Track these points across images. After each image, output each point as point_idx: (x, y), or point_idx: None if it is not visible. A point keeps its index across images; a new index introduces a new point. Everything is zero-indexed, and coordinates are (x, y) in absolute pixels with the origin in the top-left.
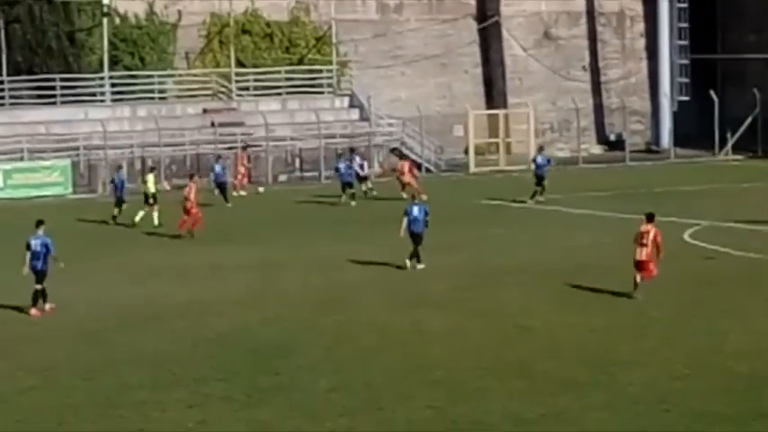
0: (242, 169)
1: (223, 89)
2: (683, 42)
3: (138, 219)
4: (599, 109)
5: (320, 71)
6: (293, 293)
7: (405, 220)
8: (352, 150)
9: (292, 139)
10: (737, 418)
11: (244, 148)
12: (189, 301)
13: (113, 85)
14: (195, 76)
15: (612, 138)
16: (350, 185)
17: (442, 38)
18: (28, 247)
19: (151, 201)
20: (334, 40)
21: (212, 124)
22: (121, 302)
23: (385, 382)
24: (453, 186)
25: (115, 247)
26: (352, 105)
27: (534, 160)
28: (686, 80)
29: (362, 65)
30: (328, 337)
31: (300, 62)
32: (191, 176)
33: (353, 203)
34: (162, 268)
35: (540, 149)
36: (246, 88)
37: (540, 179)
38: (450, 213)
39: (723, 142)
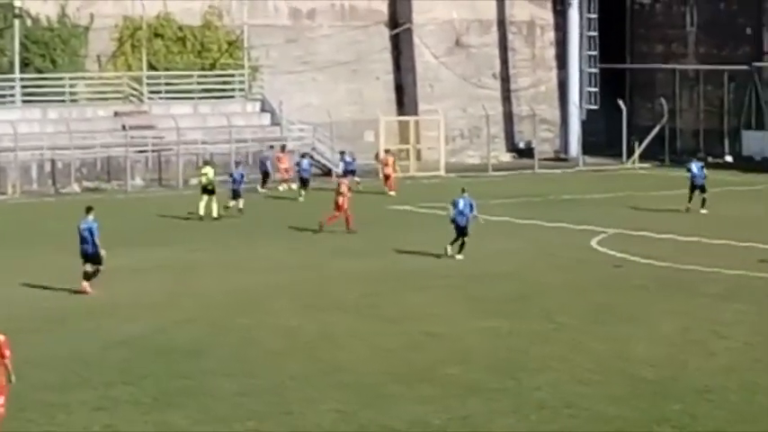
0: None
1: (135, 92)
2: (592, 52)
3: (203, 212)
4: (509, 117)
5: (232, 76)
6: (206, 296)
7: (452, 211)
8: (342, 153)
9: (203, 142)
10: (642, 423)
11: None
12: (101, 303)
13: (24, 86)
14: (107, 78)
15: (522, 145)
16: (306, 182)
17: (353, 44)
18: (80, 232)
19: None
20: (245, 45)
21: (123, 127)
22: (31, 303)
23: (294, 385)
24: (363, 192)
25: (27, 249)
26: (263, 110)
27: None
28: (595, 89)
29: (274, 70)
30: (238, 341)
31: (212, 66)
32: (345, 174)
33: (302, 199)
34: (77, 270)
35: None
36: (158, 92)
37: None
38: (360, 218)
39: (631, 151)
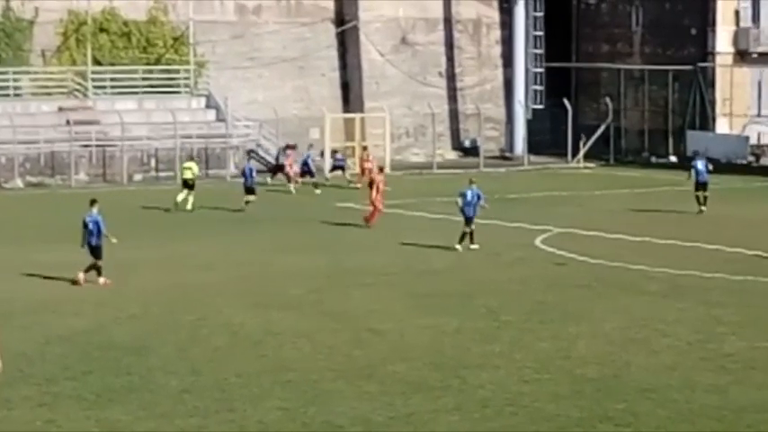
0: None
1: (79, 87)
2: (538, 51)
3: (180, 200)
4: (454, 115)
5: (177, 71)
6: (151, 293)
7: (460, 201)
8: (334, 152)
9: (148, 138)
10: (585, 421)
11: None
12: (44, 298)
13: None
14: (51, 73)
15: (467, 144)
16: (312, 175)
17: (300, 41)
18: (84, 225)
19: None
20: (191, 41)
21: (68, 122)
22: None
23: (238, 382)
24: (309, 188)
25: None
26: (208, 106)
27: (463, 195)
28: (541, 88)
29: (220, 66)
30: (182, 338)
31: (157, 62)
32: (380, 169)
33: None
34: (20, 265)
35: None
36: (103, 87)
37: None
38: (306, 215)
39: (576, 150)
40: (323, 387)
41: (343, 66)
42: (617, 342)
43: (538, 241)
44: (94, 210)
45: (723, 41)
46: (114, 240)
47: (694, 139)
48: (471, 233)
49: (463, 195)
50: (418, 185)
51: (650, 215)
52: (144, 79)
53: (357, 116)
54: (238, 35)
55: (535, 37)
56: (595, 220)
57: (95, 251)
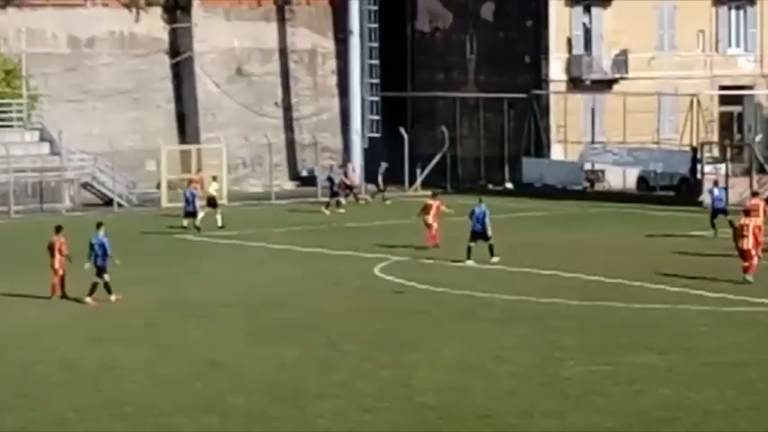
0: None
1: None
2: (374, 80)
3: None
4: (291, 145)
5: (10, 105)
6: None
7: (470, 218)
8: (330, 167)
9: None
10: None
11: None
12: None
13: None
14: None
15: (305, 173)
16: (336, 194)
17: (134, 73)
18: (91, 246)
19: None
20: (24, 74)
21: None
22: None
23: (76, 418)
24: (146, 221)
25: None
26: (42, 139)
27: (471, 213)
28: (377, 117)
29: (53, 99)
30: (17, 375)
31: None
32: (433, 195)
33: (342, 210)
34: None
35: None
36: None
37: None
38: (144, 248)
39: (413, 178)
40: (162, 421)
41: (179, 97)
42: (456, 369)
43: (377, 270)
44: (100, 232)
45: (556, 69)
46: (117, 262)
47: (529, 166)
48: (491, 247)
49: (472, 213)
50: (256, 216)
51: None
52: None
53: (193, 147)
54: (72, 68)
55: (371, 66)
56: (434, 248)
57: (100, 270)
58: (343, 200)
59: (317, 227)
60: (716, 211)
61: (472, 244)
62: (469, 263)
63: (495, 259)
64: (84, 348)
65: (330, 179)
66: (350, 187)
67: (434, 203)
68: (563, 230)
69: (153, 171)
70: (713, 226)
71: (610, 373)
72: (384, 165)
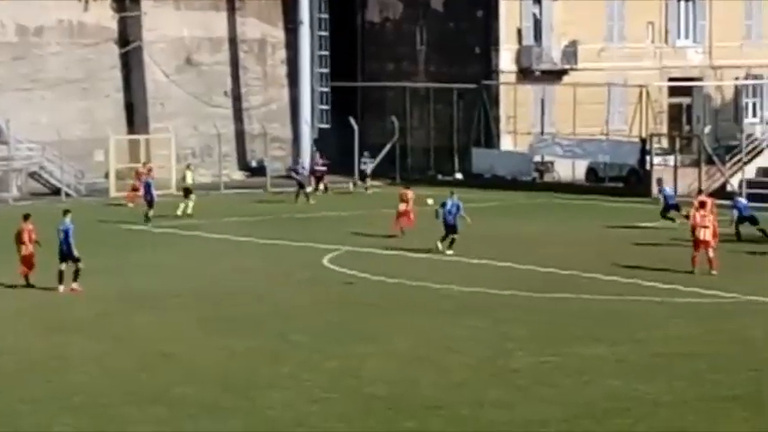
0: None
1: None
2: (323, 70)
3: (180, 212)
4: (240, 135)
5: None
6: None
7: (441, 211)
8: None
9: None
10: None
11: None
12: None
13: None
14: None
15: (254, 164)
16: (303, 186)
17: (83, 62)
18: (59, 233)
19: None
20: None
21: None
22: None
23: (25, 409)
24: (95, 211)
25: None
26: None
27: (443, 205)
28: (327, 107)
29: (1, 88)
30: None
31: None
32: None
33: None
34: None
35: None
36: None
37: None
38: (94, 238)
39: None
40: (112, 412)
41: (128, 87)
42: (406, 360)
43: (326, 261)
44: (67, 219)
45: (506, 60)
46: (76, 254)
47: (479, 156)
48: (453, 240)
49: (443, 205)
50: (206, 206)
51: (439, 233)
52: None
53: (142, 137)
54: (20, 57)
55: (320, 56)
56: (383, 238)
57: (68, 257)
58: (309, 189)
59: (264, 217)
60: (669, 207)
61: (449, 237)
62: (447, 250)
63: (449, 252)
64: (35, 339)
65: (296, 170)
66: (319, 178)
67: (409, 192)
68: (514, 221)
69: (101, 161)
70: (667, 218)
71: (559, 364)
72: (367, 155)
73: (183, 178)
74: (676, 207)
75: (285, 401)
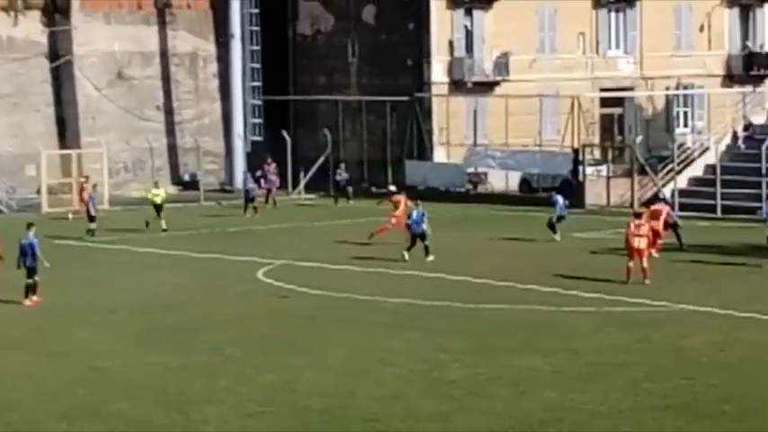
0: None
1: None
2: (256, 83)
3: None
4: (173, 149)
5: None
6: None
7: (408, 220)
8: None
9: None
10: None
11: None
12: None
13: None
14: None
15: (187, 178)
16: (252, 199)
17: (13, 76)
18: (21, 247)
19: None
20: None
21: None
22: None
23: None
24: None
25: None
26: None
27: (409, 215)
28: (259, 121)
29: None
30: None
31: None
32: (399, 190)
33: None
34: None
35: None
36: None
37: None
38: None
39: (296, 182)
40: (45, 428)
41: (59, 101)
42: (341, 373)
43: (260, 274)
44: (30, 233)
45: (438, 72)
46: (47, 264)
47: (413, 168)
48: (426, 247)
49: (410, 216)
50: (140, 221)
51: (374, 246)
52: None
53: (74, 152)
54: None
55: (252, 69)
56: (318, 251)
57: (30, 271)
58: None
59: (198, 231)
60: (560, 218)
61: (419, 244)
62: (430, 259)
63: (430, 258)
64: None
65: (253, 181)
66: (270, 190)
67: (402, 198)
68: (448, 233)
69: (33, 176)
70: (553, 229)
71: (494, 376)
72: (343, 167)
73: (155, 195)
74: (562, 219)
75: (220, 416)
